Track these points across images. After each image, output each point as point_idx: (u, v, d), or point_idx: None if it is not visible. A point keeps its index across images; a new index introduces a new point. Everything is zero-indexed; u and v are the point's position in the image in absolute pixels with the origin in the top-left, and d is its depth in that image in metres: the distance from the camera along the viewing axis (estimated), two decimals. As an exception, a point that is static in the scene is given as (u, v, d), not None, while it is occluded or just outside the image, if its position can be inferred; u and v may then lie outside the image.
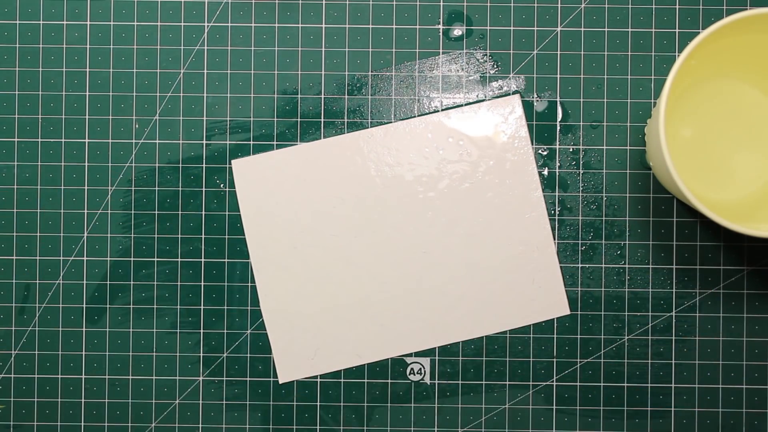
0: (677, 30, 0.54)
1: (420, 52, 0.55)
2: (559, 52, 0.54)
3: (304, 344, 0.54)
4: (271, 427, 0.54)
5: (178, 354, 0.54)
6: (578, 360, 0.54)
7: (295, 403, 0.54)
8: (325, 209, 0.54)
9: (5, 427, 0.54)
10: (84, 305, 0.54)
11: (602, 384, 0.54)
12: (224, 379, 0.54)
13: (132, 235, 0.54)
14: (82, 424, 0.54)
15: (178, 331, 0.54)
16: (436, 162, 0.54)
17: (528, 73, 0.54)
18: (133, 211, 0.54)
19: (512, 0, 0.54)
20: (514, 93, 0.54)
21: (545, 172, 0.54)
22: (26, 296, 0.54)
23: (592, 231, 0.54)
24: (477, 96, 0.54)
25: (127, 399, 0.54)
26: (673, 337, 0.54)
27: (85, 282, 0.54)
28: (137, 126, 0.55)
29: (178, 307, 0.54)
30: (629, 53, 0.54)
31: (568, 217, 0.54)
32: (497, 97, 0.54)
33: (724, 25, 0.45)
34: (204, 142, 0.54)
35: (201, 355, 0.54)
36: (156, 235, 0.54)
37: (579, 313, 0.54)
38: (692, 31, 0.54)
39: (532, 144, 0.54)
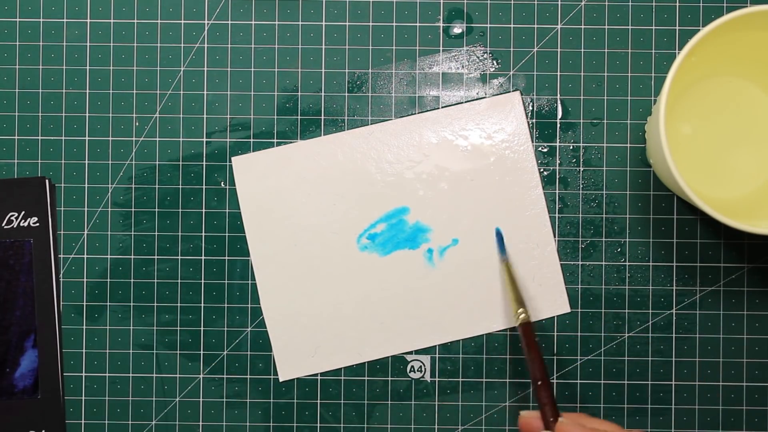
0: (677, 27, 0.54)
1: (420, 50, 0.55)
2: (559, 50, 0.54)
3: (305, 342, 0.54)
4: (271, 424, 0.54)
5: (178, 352, 0.54)
6: (579, 357, 0.54)
7: (295, 401, 0.54)
8: (326, 207, 0.54)
9: (6, 425, 0.54)
10: (84, 303, 0.54)
11: (602, 381, 0.54)
12: (224, 376, 0.54)
13: (132, 233, 0.54)
14: (83, 421, 0.54)
15: (179, 328, 0.54)
16: (436, 159, 0.54)
17: (528, 71, 0.54)
18: (133, 209, 0.54)
19: (512, -3, 0.54)
20: (514, 90, 0.54)
21: (545, 169, 0.54)
22: (26, 294, 0.54)
23: (592, 228, 0.54)
24: (477, 93, 0.54)
25: (127, 397, 0.54)
26: (674, 335, 0.54)
27: (85, 279, 0.54)
28: (137, 123, 0.55)
29: (179, 304, 0.54)
30: (629, 50, 0.54)
31: (569, 215, 0.54)
32: (497, 94, 0.54)
33: (724, 23, 0.45)
34: (204, 139, 0.54)
35: (201, 352, 0.54)
36: (156, 233, 0.54)
37: (579, 310, 0.54)
38: (692, 28, 0.54)
39: (533, 141, 0.54)
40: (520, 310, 0.49)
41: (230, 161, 0.54)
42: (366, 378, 0.54)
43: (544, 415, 0.44)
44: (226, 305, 0.54)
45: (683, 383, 0.54)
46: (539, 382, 0.45)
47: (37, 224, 0.54)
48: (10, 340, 0.54)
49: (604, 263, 0.54)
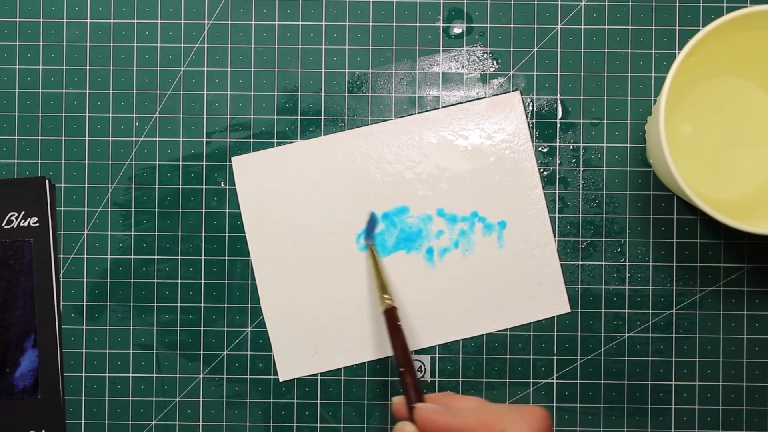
0: (677, 27, 0.54)
1: (420, 50, 0.55)
2: (559, 50, 0.54)
3: (305, 342, 0.54)
4: (271, 424, 0.54)
5: (178, 352, 0.54)
6: (578, 357, 0.54)
7: (295, 401, 0.54)
8: (326, 207, 0.54)
9: (6, 425, 0.54)
10: (84, 303, 0.54)
11: (602, 381, 0.54)
12: (224, 376, 0.54)
13: (132, 233, 0.54)
14: (83, 421, 0.54)
15: (179, 328, 0.54)
16: (436, 159, 0.54)
17: (528, 71, 0.54)
18: (133, 209, 0.54)
19: (512, -3, 0.54)
20: (514, 90, 0.54)
21: (545, 169, 0.54)
22: (26, 294, 0.54)
23: (592, 228, 0.54)
24: (477, 93, 0.54)
25: (127, 397, 0.54)
26: (674, 335, 0.54)
27: (85, 279, 0.54)
28: (137, 123, 0.55)
29: (179, 304, 0.54)
30: (629, 50, 0.54)
31: (569, 215, 0.54)
32: (497, 94, 0.54)
33: (724, 23, 0.45)
34: (204, 139, 0.54)
35: (201, 352, 0.54)
36: (156, 233, 0.54)
37: (579, 310, 0.54)
38: (692, 28, 0.54)
39: (533, 141, 0.54)
40: (386, 296, 0.49)
41: (230, 161, 0.54)
42: (366, 378, 0.54)
43: (408, 400, 0.43)
44: (226, 305, 0.54)
45: (683, 383, 0.54)
46: (401, 369, 0.44)
47: (37, 224, 0.54)
48: (10, 340, 0.54)
49: (604, 263, 0.54)
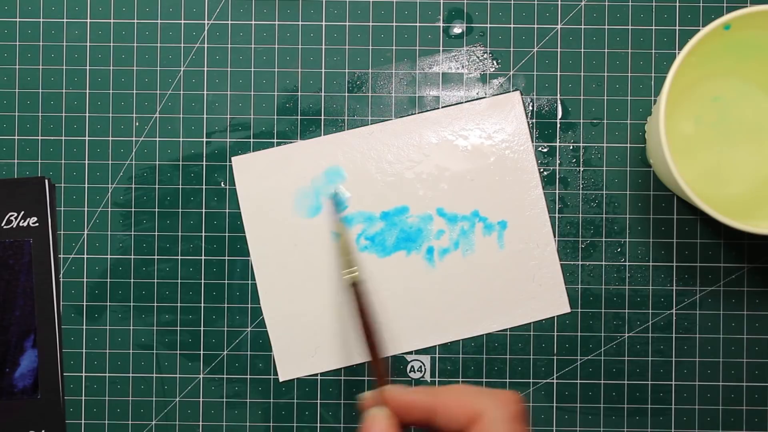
0: (677, 27, 0.54)
1: (420, 50, 0.55)
2: (559, 50, 0.54)
3: (305, 342, 0.54)
4: (271, 424, 0.54)
5: (178, 352, 0.54)
6: (578, 357, 0.54)
7: (295, 401, 0.54)
8: (325, 207, 0.54)
9: (6, 425, 0.54)
10: (84, 303, 0.54)
11: (602, 381, 0.54)
12: (224, 376, 0.54)
13: (132, 233, 0.54)
14: (83, 421, 0.54)
15: (179, 328, 0.54)
16: (436, 159, 0.54)
17: (528, 71, 0.54)
18: (133, 209, 0.54)
19: (512, -3, 0.54)
20: (514, 90, 0.54)
21: (545, 169, 0.54)
22: (26, 294, 0.54)
23: (592, 228, 0.54)
24: (477, 93, 0.54)
25: (127, 397, 0.54)
26: (674, 335, 0.54)
27: (85, 279, 0.54)
28: (137, 123, 0.55)
29: (179, 304, 0.54)
30: (629, 50, 0.54)
31: (569, 215, 0.54)
32: (497, 94, 0.54)
33: (724, 23, 0.45)
34: (204, 139, 0.54)
35: (201, 352, 0.54)
36: (156, 233, 0.54)
37: (579, 310, 0.54)
38: (692, 28, 0.54)
39: (533, 141, 0.54)
40: (350, 269, 0.46)
41: (230, 161, 0.54)
42: (366, 378, 0.54)
43: (380, 383, 0.42)
44: (226, 305, 0.54)
45: (683, 383, 0.54)
46: (371, 351, 0.42)
47: (37, 224, 0.54)
48: (10, 340, 0.54)
49: (604, 263, 0.54)
